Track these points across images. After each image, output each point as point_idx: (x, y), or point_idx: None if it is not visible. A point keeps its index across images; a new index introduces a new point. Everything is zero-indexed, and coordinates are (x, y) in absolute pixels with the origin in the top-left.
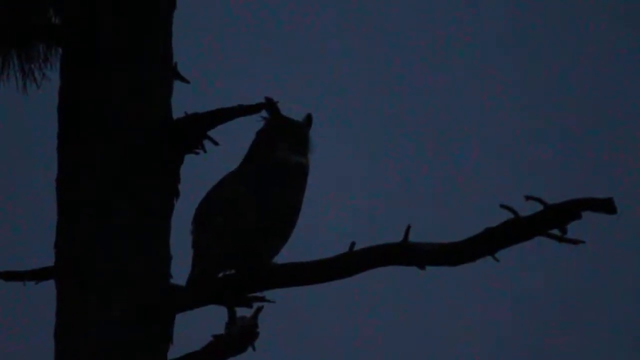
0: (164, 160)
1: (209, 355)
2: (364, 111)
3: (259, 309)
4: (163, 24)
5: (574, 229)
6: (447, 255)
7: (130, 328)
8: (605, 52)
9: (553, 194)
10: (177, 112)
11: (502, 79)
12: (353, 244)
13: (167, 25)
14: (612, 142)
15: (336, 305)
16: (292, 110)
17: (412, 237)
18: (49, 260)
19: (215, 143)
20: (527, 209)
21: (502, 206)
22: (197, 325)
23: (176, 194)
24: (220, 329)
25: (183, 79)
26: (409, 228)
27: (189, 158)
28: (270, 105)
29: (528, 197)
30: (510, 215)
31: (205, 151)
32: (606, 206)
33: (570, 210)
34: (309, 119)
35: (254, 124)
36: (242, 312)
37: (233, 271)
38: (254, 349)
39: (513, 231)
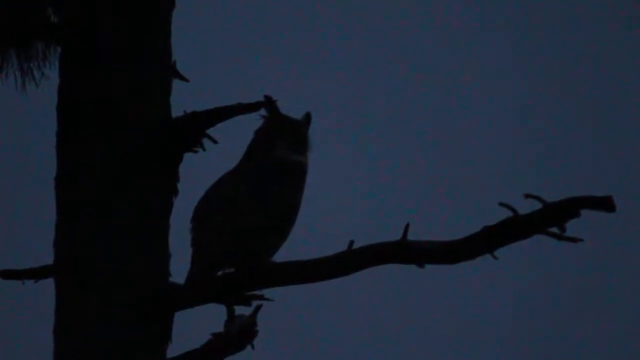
0: (164, 159)
1: (207, 353)
2: (364, 109)
3: (258, 308)
4: (162, 23)
5: (573, 227)
6: (446, 253)
7: (130, 327)
8: (605, 51)
9: (552, 192)
10: (176, 111)
11: (502, 77)
12: (352, 242)
13: (166, 24)
14: (612, 140)
15: (335, 303)
16: (291, 109)
17: (411, 236)
18: (47, 259)
19: (214, 141)
20: (526, 207)
21: (501, 204)
22: (196, 324)
23: (175, 192)
24: (219, 327)
25: (182, 78)
26: (407, 226)
27: (187, 156)
28: (269, 103)
29: (527, 195)
30: (509, 213)
31: (204, 149)
32: (605, 204)
33: (569, 209)
34: (307, 117)
35: (253, 122)
36: (241, 310)
37: (232, 269)
38: (252, 347)
39: (512, 229)
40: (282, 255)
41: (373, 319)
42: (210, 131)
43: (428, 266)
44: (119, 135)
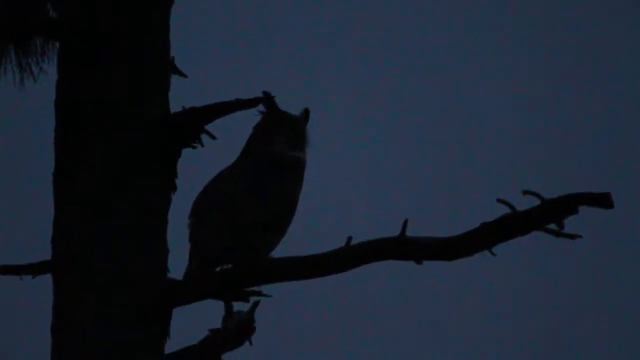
0: (162, 155)
1: (205, 349)
2: (362, 106)
3: (256, 304)
4: (161, 19)
5: (570, 223)
6: (444, 249)
7: (129, 324)
8: (604, 51)
9: (550, 189)
10: (175, 106)
11: (502, 76)
12: (350, 238)
13: (165, 20)
14: (610, 137)
15: (333, 299)
16: (290, 105)
17: (410, 232)
18: (45, 255)
19: (213, 137)
20: (524, 204)
21: (499, 201)
22: (194, 319)
23: (173, 188)
24: (217, 323)
25: (180, 73)
26: (406, 222)
27: (186, 152)
28: (267, 99)
29: (525, 192)
30: (507, 210)
31: (202, 145)
32: (603, 201)
33: (567, 205)
34: (306, 113)
35: (251, 118)
36: (239, 306)
37: (230, 265)
38: (250, 343)
39: (510, 226)
40: (281, 251)
41: (371, 315)
42: (209, 127)
43: (426, 262)
44: (118, 132)
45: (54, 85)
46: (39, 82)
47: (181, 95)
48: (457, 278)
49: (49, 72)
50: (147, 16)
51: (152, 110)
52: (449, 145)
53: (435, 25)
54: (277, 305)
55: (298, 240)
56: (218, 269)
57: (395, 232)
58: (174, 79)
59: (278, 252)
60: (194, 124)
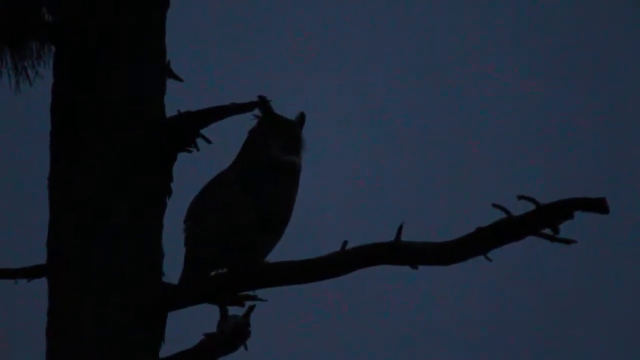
0: (158, 159)
1: (200, 353)
2: (357, 111)
3: (251, 308)
4: (157, 23)
5: (566, 228)
6: (439, 254)
7: (124, 328)
8: (604, 53)
9: (550, 192)
10: (170, 110)
11: (500, 80)
12: (345, 242)
13: (161, 23)
14: (606, 142)
15: (329, 304)
16: (285, 109)
17: (405, 237)
18: (40, 258)
19: (208, 141)
20: (520, 209)
21: (494, 205)
22: (189, 324)
23: (169, 192)
24: (212, 328)
25: (176, 77)
26: (401, 227)
27: (181, 156)
28: (263, 103)
29: (520, 197)
30: (503, 215)
31: (198, 149)
32: (598, 206)
33: (562, 210)
34: (302, 117)
35: (247, 122)
36: (234, 310)
37: (225, 269)
38: (245, 348)
39: (505, 230)
40: (276, 255)
41: (366, 319)
42: (204, 131)
43: (421, 267)
44: (116, 135)
45: (49, 89)
46: (34, 86)
47: (177, 99)
48: (452, 282)
49: (44, 76)
50: (145, 18)
51: (149, 110)
52: (445, 150)
53: (435, 26)
54: (273, 309)
55: (293, 244)
56: (213, 273)
57: (391, 237)
58: (170, 83)
59: (273, 256)
60: (189, 128)
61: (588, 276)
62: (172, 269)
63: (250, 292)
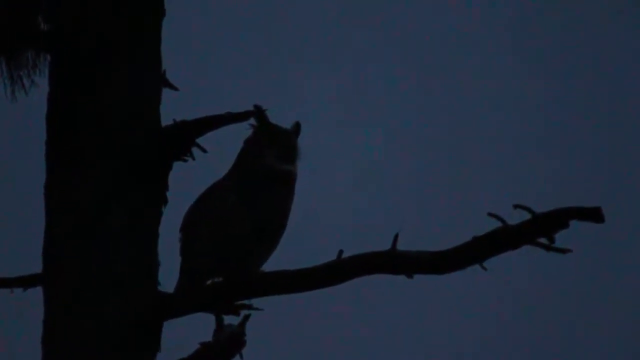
0: (153, 168)
1: None
2: (353, 120)
3: (247, 317)
4: (153, 32)
5: (563, 236)
6: (435, 263)
7: (120, 337)
8: (604, 54)
9: (542, 201)
10: (166, 120)
11: (499, 82)
12: (341, 252)
13: (157, 32)
14: (604, 148)
15: (324, 313)
16: (281, 118)
17: (401, 246)
18: (36, 267)
19: (204, 150)
20: (515, 218)
21: (490, 215)
22: (185, 333)
23: (164, 201)
24: (208, 337)
25: (172, 87)
26: (397, 236)
27: (177, 165)
28: (258, 113)
29: (516, 206)
30: (498, 224)
31: (193, 158)
32: (594, 215)
33: (557, 219)
34: (297, 126)
35: (242, 131)
36: (230, 319)
37: (221, 279)
38: (241, 357)
39: (501, 239)
40: (272, 264)
41: (362, 329)
42: (200, 140)
43: (417, 276)
44: (112, 144)
45: (45, 98)
46: (30, 94)
47: (172, 109)
48: (448, 292)
49: (40, 85)
50: (141, 27)
51: (146, 122)
52: (440, 159)
53: (434, 27)
54: (268, 318)
55: (289, 253)
56: (209, 282)
57: (386, 246)
58: (165, 92)
59: (269, 266)
60: (185, 137)
61: (583, 284)
62: (168, 278)
63: (246, 301)
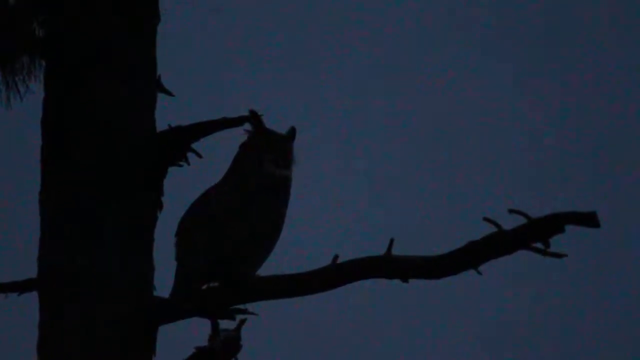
0: (149, 173)
1: None
2: (348, 126)
3: (242, 322)
4: (148, 37)
5: (559, 240)
6: (430, 268)
7: (115, 342)
8: (604, 57)
9: (537, 207)
10: (161, 125)
11: (495, 87)
12: (336, 256)
13: (152, 38)
14: (598, 155)
15: (320, 317)
16: (276, 123)
17: (396, 250)
18: (31, 272)
19: (199, 156)
20: (511, 223)
21: (485, 219)
22: (180, 337)
23: (160, 206)
24: (204, 341)
25: (167, 92)
26: (392, 241)
27: (172, 170)
28: (254, 118)
29: (511, 211)
30: (494, 229)
31: (189, 164)
32: (589, 220)
33: (553, 224)
34: (292, 131)
35: (238, 136)
36: (225, 324)
37: (216, 283)
38: None
39: (496, 245)
40: (267, 269)
41: (357, 333)
42: (195, 145)
43: (412, 281)
44: (107, 149)
45: (41, 104)
46: (25, 100)
47: (167, 114)
48: (443, 296)
49: (35, 91)
50: (136, 32)
51: (138, 124)
52: (436, 165)
53: (432, 28)
54: (264, 323)
55: (284, 258)
56: (204, 286)
57: (382, 251)
58: (160, 98)
59: (264, 270)
60: (180, 143)
61: (579, 289)
62: (163, 283)
63: (242, 306)
